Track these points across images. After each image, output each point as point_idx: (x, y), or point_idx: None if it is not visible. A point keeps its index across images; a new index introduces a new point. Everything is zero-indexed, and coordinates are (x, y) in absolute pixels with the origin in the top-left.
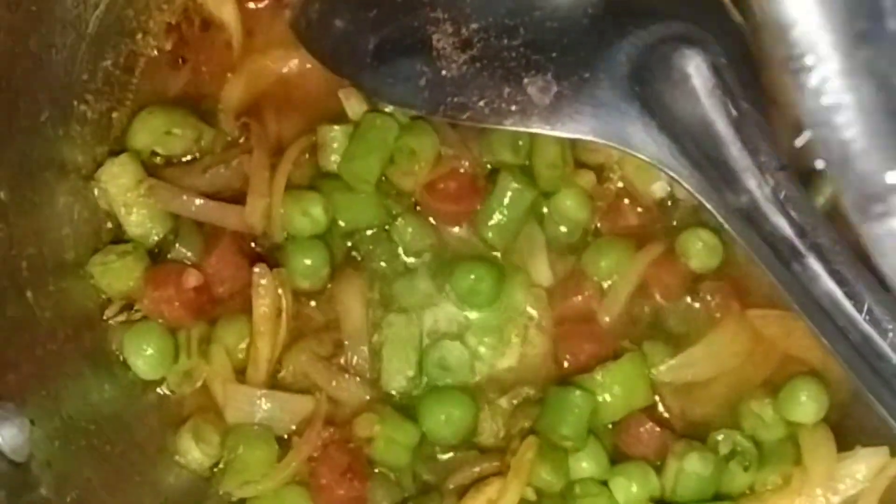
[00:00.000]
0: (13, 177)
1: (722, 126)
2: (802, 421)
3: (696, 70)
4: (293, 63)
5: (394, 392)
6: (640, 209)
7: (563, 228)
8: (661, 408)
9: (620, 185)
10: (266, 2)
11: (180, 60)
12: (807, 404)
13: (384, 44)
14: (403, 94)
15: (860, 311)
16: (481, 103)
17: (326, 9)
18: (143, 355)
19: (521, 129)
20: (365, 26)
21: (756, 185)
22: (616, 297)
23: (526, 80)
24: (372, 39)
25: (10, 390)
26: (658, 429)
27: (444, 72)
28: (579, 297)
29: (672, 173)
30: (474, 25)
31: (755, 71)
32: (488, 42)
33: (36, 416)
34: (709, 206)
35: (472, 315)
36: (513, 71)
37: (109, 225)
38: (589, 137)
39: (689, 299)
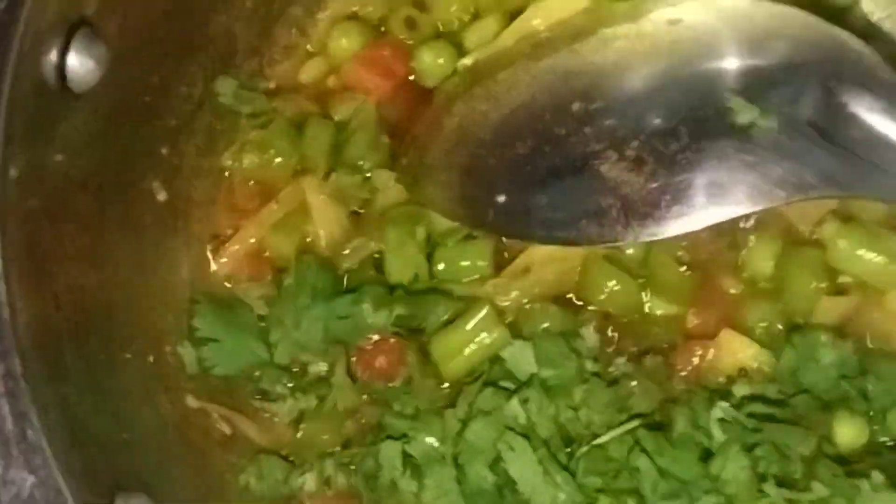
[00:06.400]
0: None
1: None
2: None
3: (850, 99)
4: None
5: None
6: None
7: None
8: None
9: None
10: None
11: None
12: None
13: (555, 193)
14: (601, 232)
15: None
16: (683, 206)
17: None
18: None
19: (730, 216)
20: (527, 186)
21: None
22: None
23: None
24: (539, 195)
25: None
26: None
27: (630, 195)
28: None
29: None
30: (635, 143)
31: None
32: (657, 150)
33: None
34: None
35: None
36: (694, 165)
37: None
38: (803, 196)
39: None
